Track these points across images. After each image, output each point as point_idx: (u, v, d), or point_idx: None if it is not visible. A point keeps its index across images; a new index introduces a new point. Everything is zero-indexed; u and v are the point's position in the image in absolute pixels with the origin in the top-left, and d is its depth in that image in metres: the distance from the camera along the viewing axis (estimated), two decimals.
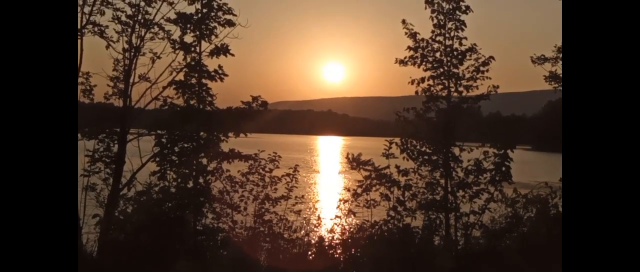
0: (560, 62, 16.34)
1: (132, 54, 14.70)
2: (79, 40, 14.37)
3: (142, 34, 14.73)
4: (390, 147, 14.57)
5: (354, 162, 14.55)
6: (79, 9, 14.38)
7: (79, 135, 14.16)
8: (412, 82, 14.83)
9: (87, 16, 14.65)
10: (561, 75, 16.46)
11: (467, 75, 14.75)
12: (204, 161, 14.83)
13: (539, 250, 13.63)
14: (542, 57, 16.28)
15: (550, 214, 14.76)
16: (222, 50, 14.82)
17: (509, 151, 14.49)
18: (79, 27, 14.42)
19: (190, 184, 14.76)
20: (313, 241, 14.68)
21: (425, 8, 14.75)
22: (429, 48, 14.75)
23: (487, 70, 14.72)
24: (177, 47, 14.83)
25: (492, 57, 14.71)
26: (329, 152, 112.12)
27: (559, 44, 16.31)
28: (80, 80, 14.91)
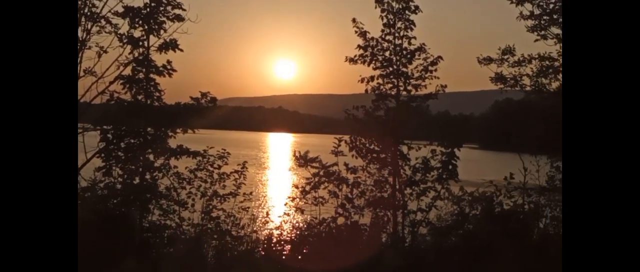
0: (505, 64, 16.69)
1: (78, 47, 14.39)
2: None
3: (89, 27, 14.43)
4: (339, 145, 14.62)
5: (302, 159, 14.57)
6: None
7: None
8: (362, 80, 14.93)
9: None
10: (506, 76, 16.81)
11: (416, 75, 14.93)
12: (151, 157, 14.65)
13: (483, 247, 13.87)
14: (488, 58, 16.60)
15: (495, 211, 15.05)
16: (170, 45, 14.66)
17: (456, 150, 14.71)
18: None
19: (137, 181, 14.56)
20: (261, 238, 14.64)
21: (376, 7, 14.88)
22: (379, 47, 14.87)
23: (436, 70, 14.93)
24: (124, 41, 14.59)
25: (440, 57, 14.92)
26: (279, 149, 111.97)
27: (504, 46, 16.69)
28: None
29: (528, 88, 17.15)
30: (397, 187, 14.71)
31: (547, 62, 16.70)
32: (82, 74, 14.52)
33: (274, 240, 14.30)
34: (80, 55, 14.41)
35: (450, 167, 14.64)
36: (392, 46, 14.89)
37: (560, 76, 16.85)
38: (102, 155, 14.37)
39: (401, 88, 14.97)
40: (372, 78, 14.90)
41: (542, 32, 16.63)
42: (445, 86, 14.97)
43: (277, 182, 45.80)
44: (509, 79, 16.91)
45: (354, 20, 14.94)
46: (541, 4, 16.17)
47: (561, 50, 16.82)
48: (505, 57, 16.72)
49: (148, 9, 14.57)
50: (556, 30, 16.61)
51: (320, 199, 14.52)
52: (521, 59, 16.72)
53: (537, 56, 16.71)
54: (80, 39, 14.38)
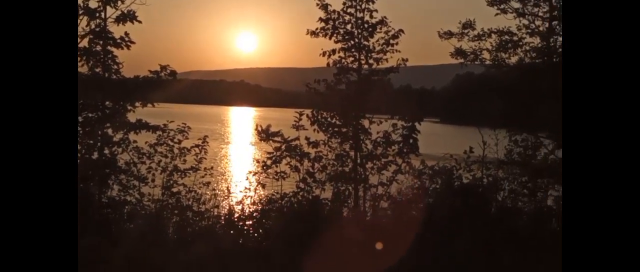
0: (466, 38, 16.79)
1: None
2: None
3: None
4: (300, 119, 14.57)
5: (263, 133, 14.49)
6: None
7: None
8: (324, 54, 14.84)
9: None
10: (467, 51, 16.92)
11: (378, 48, 14.88)
12: (110, 131, 14.45)
13: (443, 221, 14.05)
14: (449, 32, 16.68)
15: (454, 185, 15.22)
16: (128, 16, 14.41)
17: (416, 124, 14.75)
18: None
19: (95, 156, 14.36)
20: (222, 214, 14.58)
21: None
22: (340, 20, 14.78)
23: (397, 44, 14.88)
24: (80, 12, 14.26)
25: (401, 31, 14.88)
26: (241, 123, 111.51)
27: (464, 20, 16.77)
28: None
29: (488, 62, 17.31)
30: (359, 161, 14.74)
31: (507, 37, 16.85)
32: None
33: (236, 215, 14.25)
34: None
35: (411, 141, 14.68)
36: (354, 19, 14.81)
37: (519, 51, 17.03)
38: None
39: (363, 62, 14.92)
40: (333, 51, 14.82)
41: (502, 6, 16.75)
42: (407, 60, 14.96)
43: (238, 156, 45.64)
44: (469, 54, 17.04)
45: None
46: None
47: (520, 25, 16.99)
48: (466, 31, 16.83)
49: None
50: (516, 4, 16.76)
51: (282, 174, 14.49)
52: (481, 33, 16.84)
53: (496, 30, 16.85)
54: None
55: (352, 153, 14.78)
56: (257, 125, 14.78)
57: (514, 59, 17.16)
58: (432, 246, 13.39)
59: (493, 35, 16.80)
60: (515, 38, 16.89)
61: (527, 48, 16.99)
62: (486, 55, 17.06)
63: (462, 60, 16.94)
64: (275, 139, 14.52)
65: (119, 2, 14.40)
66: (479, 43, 16.88)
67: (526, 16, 16.90)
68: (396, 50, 14.88)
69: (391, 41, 14.85)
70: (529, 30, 16.95)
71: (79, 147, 14.22)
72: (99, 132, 14.32)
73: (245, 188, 14.63)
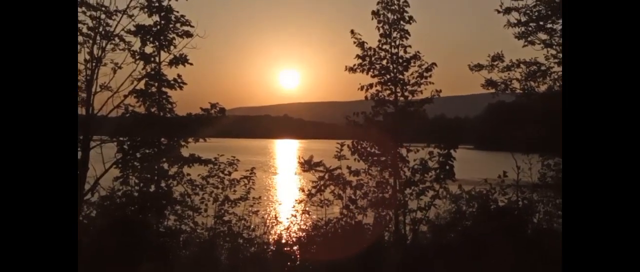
0: (495, 69, 16.69)
1: (94, 64, 14.45)
2: None
3: (103, 45, 14.49)
4: (341, 149, 14.67)
5: (306, 164, 14.60)
6: None
7: None
8: (362, 88, 14.97)
9: None
10: (497, 81, 16.81)
11: (412, 81, 14.96)
12: (165, 165, 14.70)
13: (480, 242, 13.86)
14: (478, 65, 16.61)
15: (491, 208, 15.04)
16: (180, 60, 14.75)
17: (452, 151, 14.71)
18: None
19: (152, 188, 14.62)
20: (271, 240, 14.65)
21: (372, 19, 14.92)
22: (376, 56, 14.92)
23: (430, 76, 14.96)
24: (137, 57, 14.68)
25: (434, 64, 14.94)
26: (285, 155, 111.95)
27: (493, 53, 16.70)
28: None
29: (518, 91, 17.15)
30: (398, 187, 14.72)
31: (535, 67, 16.70)
32: (98, 89, 14.58)
33: (283, 241, 14.31)
34: (96, 71, 14.48)
35: (447, 167, 14.64)
36: (389, 55, 14.93)
37: (547, 79, 16.84)
38: (120, 165, 14.44)
39: (399, 94, 15.00)
40: (371, 85, 14.94)
41: (530, 38, 16.63)
42: (440, 91, 15.02)
43: (284, 186, 45.78)
44: (499, 84, 16.92)
45: (352, 31, 15.00)
46: (527, 12, 16.18)
47: (548, 55, 16.84)
48: (495, 63, 16.74)
49: (158, 27, 14.65)
50: (543, 36, 16.63)
51: (326, 201, 14.54)
52: (510, 64, 16.73)
53: (524, 61, 16.71)
54: (96, 56, 14.43)
55: (391, 180, 14.77)
56: (299, 157, 14.90)
57: (543, 87, 16.98)
58: (471, 268, 13.20)
59: (521, 66, 16.67)
60: (543, 67, 16.73)
61: (556, 76, 16.82)
62: (516, 84, 16.91)
63: (493, 90, 16.81)
64: (318, 169, 14.62)
65: (172, 47, 14.77)
66: (508, 73, 16.75)
67: (554, 47, 16.76)
68: (430, 82, 14.95)
69: (425, 74, 14.91)
70: (557, 60, 16.79)
71: (137, 181, 14.53)
72: (156, 167, 14.57)
73: (292, 215, 14.71)
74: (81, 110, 14.65)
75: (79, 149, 14.30)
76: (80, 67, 14.48)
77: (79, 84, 14.55)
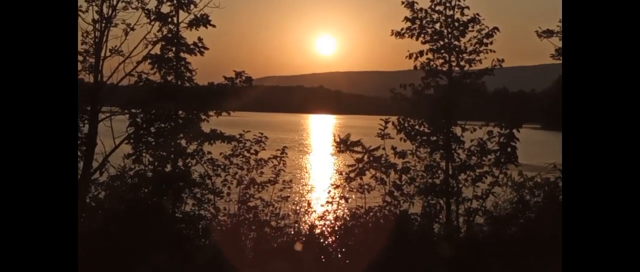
0: None
1: (103, 25, 14.58)
2: None
3: (114, 3, 14.59)
4: (386, 127, 14.60)
5: (342, 144, 14.57)
6: None
7: None
8: (410, 56, 14.84)
9: None
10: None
11: (470, 48, 14.77)
12: (183, 142, 14.82)
13: (546, 238, 13.71)
14: (548, 31, 16.23)
15: (559, 198, 14.84)
16: (201, 21, 14.77)
17: (515, 130, 14.55)
18: None
19: (168, 168, 14.78)
20: (303, 229, 14.71)
21: None
22: (428, 19, 14.75)
23: (492, 43, 14.74)
24: (152, 17, 14.75)
25: (496, 28, 14.72)
26: (320, 132, 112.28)
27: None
28: None
29: None
30: (450, 172, 14.63)
31: None
32: (108, 53, 14.74)
33: (317, 231, 14.36)
34: (106, 33, 14.62)
35: (508, 149, 14.51)
36: (443, 17, 14.75)
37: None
38: (131, 141, 14.60)
39: (453, 63, 14.84)
40: (421, 53, 14.80)
41: None
42: (503, 60, 14.81)
43: (319, 168, 45.96)
44: None
45: None
46: None
47: None
48: None
49: None
50: None
51: (366, 187, 14.52)
52: None
53: None
54: (106, 15, 14.56)
55: (443, 164, 14.69)
56: (335, 135, 14.87)
57: None
58: (536, 268, 13.10)
59: None
60: None
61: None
62: None
63: None
64: (356, 149, 14.57)
65: (192, 6, 14.77)
66: None
67: None
68: (490, 50, 14.73)
69: (485, 40, 14.71)
70: None
71: (151, 159, 14.68)
72: (172, 144, 14.69)
73: (327, 202, 14.72)
74: (88, 78, 14.84)
75: (85, 121, 14.50)
76: (88, 28, 14.64)
77: (87, 47, 14.72)
